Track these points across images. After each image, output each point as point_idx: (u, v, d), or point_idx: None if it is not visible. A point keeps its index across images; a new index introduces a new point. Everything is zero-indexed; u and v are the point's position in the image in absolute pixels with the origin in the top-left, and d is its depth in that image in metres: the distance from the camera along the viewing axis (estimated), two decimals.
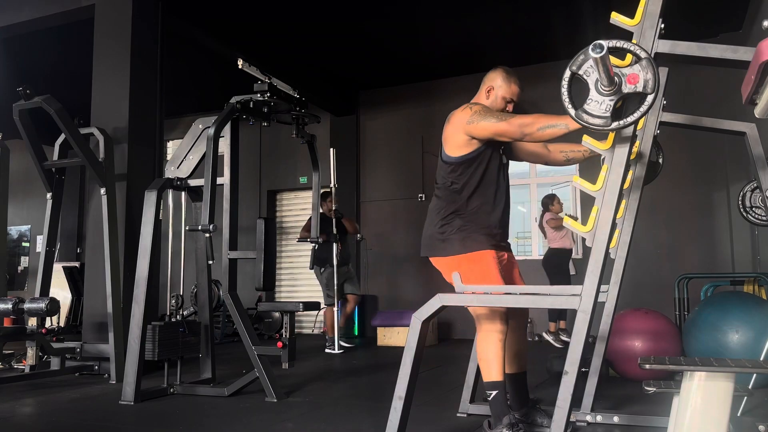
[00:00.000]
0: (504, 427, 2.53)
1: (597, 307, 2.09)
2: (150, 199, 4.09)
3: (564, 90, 2.00)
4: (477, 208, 2.77)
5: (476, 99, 2.92)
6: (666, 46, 2.06)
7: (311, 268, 5.92)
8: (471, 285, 2.49)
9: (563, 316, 6.61)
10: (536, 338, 7.20)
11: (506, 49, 7.64)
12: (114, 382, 4.59)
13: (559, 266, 6.67)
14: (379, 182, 8.92)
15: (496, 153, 2.84)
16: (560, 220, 6.67)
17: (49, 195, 5.18)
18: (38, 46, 7.09)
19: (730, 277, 5.56)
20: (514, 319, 2.83)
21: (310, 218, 5.88)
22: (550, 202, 6.91)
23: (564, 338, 6.48)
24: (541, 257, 7.09)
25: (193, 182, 4.39)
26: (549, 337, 6.52)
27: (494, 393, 2.59)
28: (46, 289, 5.06)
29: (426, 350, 2.39)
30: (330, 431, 3.09)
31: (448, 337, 7.99)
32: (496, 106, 2.86)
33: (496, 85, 2.87)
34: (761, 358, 3.34)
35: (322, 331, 9.15)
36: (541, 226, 7.07)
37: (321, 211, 6.02)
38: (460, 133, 2.75)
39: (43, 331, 4.89)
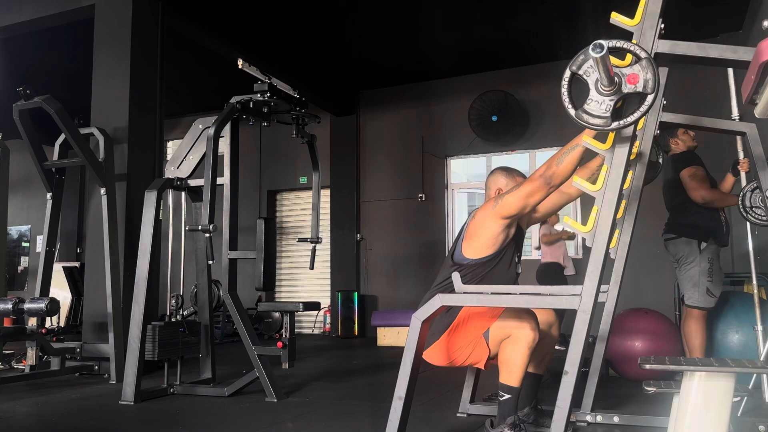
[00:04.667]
0: (506, 427, 2.53)
1: (597, 307, 2.09)
2: (150, 199, 4.09)
3: (564, 90, 1.99)
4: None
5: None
6: (666, 46, 2.06)
7: (701, 241, 3.82)
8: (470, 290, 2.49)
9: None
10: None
11: (506, 49, 7.64)
12: (114, 382, 4.59)
13: (552, 281, 6.61)
14: (379, 182, 8.92)
15: (510, 252, 2.76)
16: (553, 236, 6.63)
17: (49, 195, 5.18)
18: (38, 46, 7.09)
19: (730, 277, 5.55)
20: (547, 323, 2.82)
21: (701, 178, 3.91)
22: None
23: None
24: (540, 257, 7.08)
25: (193, 182, 4.39)
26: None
27: (507, 396, 2.56)
28: (46, 289, 5.06)
29: None
30: (330, 431, 3.09)
31: None
32: None
33: (503, 185, 2.84)
34: (761, 358, 3.34)
35: (322, 331, 9.16)
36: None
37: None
38: (491, 222, 2.64)
39: (43, 331, 4.89)
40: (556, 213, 2.88)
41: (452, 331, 2.65)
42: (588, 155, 2.41)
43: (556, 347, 6.50)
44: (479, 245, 2.69)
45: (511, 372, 2.53)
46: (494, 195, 2.80)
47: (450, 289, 2.65)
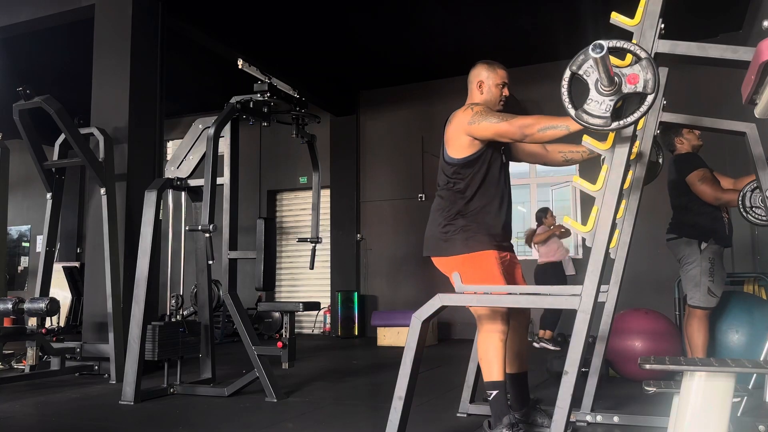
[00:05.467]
0: (504, 427, 2.54)
1: (597, 307, 2.09)
2: (150, 199, 4.09)
3: (564, 90, 2.00)
4: (479, 208, 2.77)
5: (471, 99, 2.94)
6: (666, 46, 2.06)
7: (701, 240, 3.76)
8: (472, 285, 2.49)
9: (553, 327, 6.52)
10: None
11: (506, 49, 7.62)
12: (114, 382, 4.59)
13: (551, 282, 6.59)
14: (379, 182, 8.92)
15: (497, 153, 2.84)
16: (543, 234, 6.64)
17: (49, 195, 5.18)
18: (38, 46, 7.09)
19: (730, 277, 5.55)
20: (515, 319, 2.84)
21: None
22: (543, 215, 6.87)
23: (545, 342, 6.40)
24: (538, 258, 7.08)
25: (193, 182, 4.39)
26: (542, 343, 6.42)
27: (495, 393, 2.59)
28: (46, 289, 5.06)
29: (426, 350, 2.39)
30: (330, 431, 3.09)
31: (448, 337, 7.99)
32: (493, 95, 2.89)
33: (484, 77, 2.92)
34: (761, 358, 3.34)
35: (322, 331, 9.16)
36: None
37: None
38: (462, 134, 2.76)
39: (43, 331, 4.89)
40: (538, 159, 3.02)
41: (459, 263, 2.69)
42: (570, 138, 2.44)
43: (551, 347, 6.52)
44: (459, 148, 2.79)
45: (491, 366, 2.60)
46: (477, 87, 2.92)
47: (454, 191, 2.78)
